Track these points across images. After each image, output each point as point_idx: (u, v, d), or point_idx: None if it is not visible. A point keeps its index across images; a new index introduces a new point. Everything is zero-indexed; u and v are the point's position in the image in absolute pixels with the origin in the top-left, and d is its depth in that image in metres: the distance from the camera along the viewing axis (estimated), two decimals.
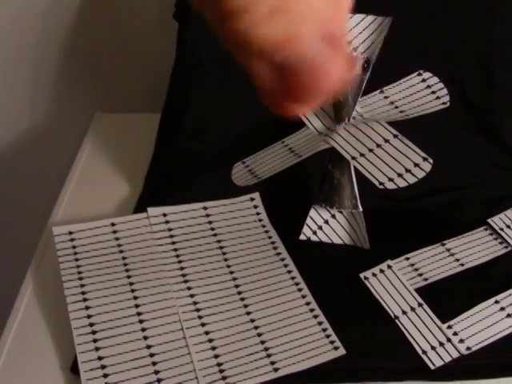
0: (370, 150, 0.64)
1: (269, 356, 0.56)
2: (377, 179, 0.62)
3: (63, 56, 0.93)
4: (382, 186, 0.62)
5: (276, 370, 0.55)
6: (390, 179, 0.62)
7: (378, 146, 0.64)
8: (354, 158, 0.64)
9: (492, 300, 0.61)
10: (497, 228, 0.70)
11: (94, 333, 0.57)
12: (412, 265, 0.66)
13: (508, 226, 0.70)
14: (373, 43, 0.69)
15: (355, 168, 0.66)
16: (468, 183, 0.75)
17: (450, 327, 0.59)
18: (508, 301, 0.61)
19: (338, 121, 0.68)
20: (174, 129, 0.76)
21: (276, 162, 0.70)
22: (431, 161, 0.61)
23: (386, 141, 0.64)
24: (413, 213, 0.72)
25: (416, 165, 0.62)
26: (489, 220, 0.71)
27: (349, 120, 0.68)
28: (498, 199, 0.74)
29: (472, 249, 0.68)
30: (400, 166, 0.62)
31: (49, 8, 0.89)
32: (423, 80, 0.71)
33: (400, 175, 0.62)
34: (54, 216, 0.73)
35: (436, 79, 0.71)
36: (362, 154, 0.64)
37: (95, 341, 0.57)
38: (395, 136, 0.64)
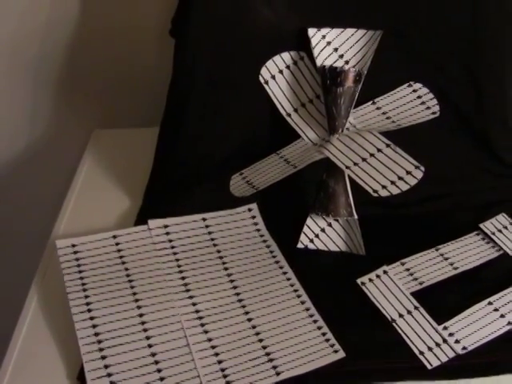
0: (364, 160, 0.66)
1: (271, 360, 0.58)
2: (370, 187, 0.64)
3: (62, 73, 0.95)
4: (375, 194, 0.63)
5: (278, 373, 0.57)
6: (384, 187, 0.64)
7: (371, 155, 0.66)
8: (348, 168, 0.66)
9: (486, 301, 0.63)
10: (489, 232, 0.72)
11: (99, 342, 0.58)
12: (407, 269, 0.68)
13: (499, 231, 0.72)
14: (364, 56, 0.71)
15: (349, 177, 0.67)
16: (459, 190, 0.77)
17: (445, 328, 0.61)
18: (501, 302, 0.63)
19: (332, 132, 0.70)
20: (172, 142, 0.77)
21: (272, 173, 0.71)
22: (423, 168, 0.63)
23: (379, 150, 0.66)
24: (407, 219, 0.74)
25: (408, 172, 0.63)
26: (481, 225, 0.73)
27: (342, 131, 0.70)
28: (489, 205, 0.76)
29: (465, 253, 0.70)
30: (393, 173, 0.64)
31: (48, 25, 0.90)
32: (414, 91, 0.73)
33: (393, 183, 0.64)
34: (57, 230, 0.74)
35: (426, 90, 0.73)
36: (355, 164, 0.66)
37: (101, 350, 0.58)
38: (387, 145, 0.66)
